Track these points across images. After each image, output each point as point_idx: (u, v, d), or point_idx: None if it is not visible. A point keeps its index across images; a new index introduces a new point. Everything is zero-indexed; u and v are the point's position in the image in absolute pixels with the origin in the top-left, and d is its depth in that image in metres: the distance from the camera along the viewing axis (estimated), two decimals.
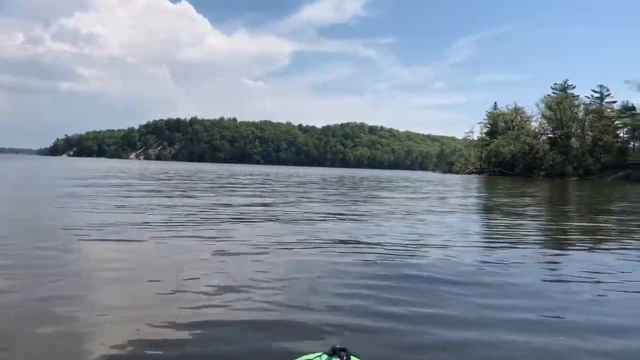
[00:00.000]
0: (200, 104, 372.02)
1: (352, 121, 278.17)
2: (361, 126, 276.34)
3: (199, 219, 9.95)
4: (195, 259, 6.06)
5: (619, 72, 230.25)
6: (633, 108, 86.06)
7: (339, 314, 4.05)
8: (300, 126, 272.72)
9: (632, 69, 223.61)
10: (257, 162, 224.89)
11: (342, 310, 4.15)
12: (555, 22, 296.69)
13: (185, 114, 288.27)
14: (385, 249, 7.07)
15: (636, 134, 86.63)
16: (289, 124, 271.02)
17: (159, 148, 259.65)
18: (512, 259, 6.69)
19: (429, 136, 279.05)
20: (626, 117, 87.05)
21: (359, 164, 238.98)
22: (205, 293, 4.52)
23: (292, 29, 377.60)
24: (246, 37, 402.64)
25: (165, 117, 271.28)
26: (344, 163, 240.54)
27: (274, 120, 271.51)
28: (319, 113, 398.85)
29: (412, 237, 8.42)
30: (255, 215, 11.19)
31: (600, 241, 9.19)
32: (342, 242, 7.54)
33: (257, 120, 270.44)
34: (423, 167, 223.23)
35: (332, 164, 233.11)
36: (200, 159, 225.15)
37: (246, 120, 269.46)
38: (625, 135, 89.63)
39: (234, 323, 3.80)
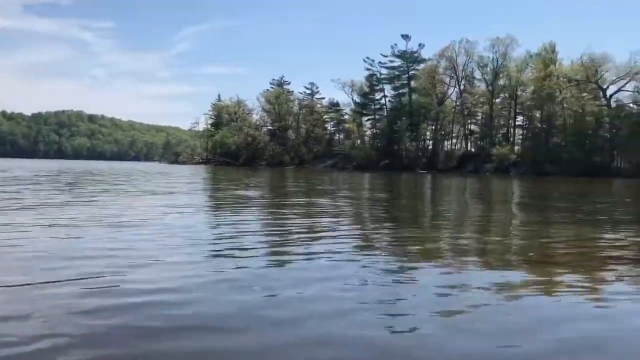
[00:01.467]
0: None
1: (69, 109, 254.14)
2: (79, 114, 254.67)
3: None
4: None
5: (327, 71, 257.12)
6: (337, 104, 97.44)
7: None
8: (4, 113, 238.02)
9: (339, 69, 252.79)
10: None
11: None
12: (277, 19, 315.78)
13: None
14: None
15: (340, 127, 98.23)
16: None
17: None
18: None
19: (154, 126, 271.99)
20: (332, 112, 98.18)
21: (77, 155, 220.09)
22: None
23: None
24: None
25: None
26: (61, 154, 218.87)
27: None
28: (28, 99, 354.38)
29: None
30: None
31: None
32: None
33: None
34: (148, 158, 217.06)
35: (46, 156, 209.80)
36: None
37: None
38: (332, 129, 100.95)
39: None
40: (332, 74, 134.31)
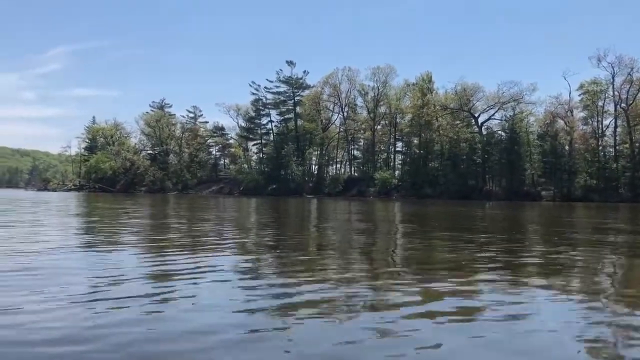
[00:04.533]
0: None
1: None
2: None
3: None
4: None
5: (210, 95, 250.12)
6: (222, 128, 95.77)
7: None
8: None
9: (223, 94, 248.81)
10: None
11: None
12: (150, 41, 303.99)
13: None
14: None
15: (226, 152, 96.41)
16: None
17: None
18: None
19: (18, 151, 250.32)
20: (217, 136, 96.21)
21: None
22: None
23: None
24: None
25: None
26: None
27: None
28: None
29: None
30: None
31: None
32: None
33: None
34: (13, 185, 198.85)
35: None
36: None
37: None
38: (217, 153, 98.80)
39: None
40: (215, 98, 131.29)
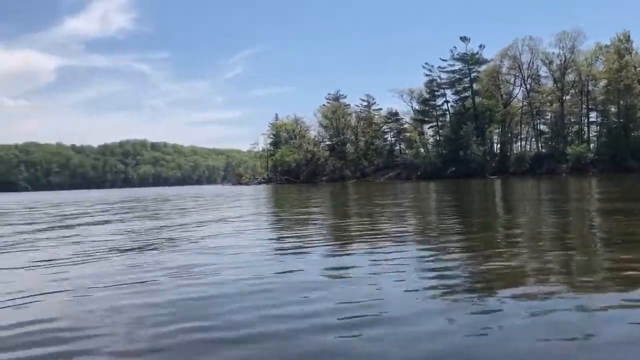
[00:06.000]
0: None
1: (133, 138, 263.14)
2: (143, 143, 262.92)
3: None
4: None
5: (381, 82, 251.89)
6: (396, 114, 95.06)
7: None
8: (73, 146, 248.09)
9: (393, 79, 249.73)
10: (25, 189, 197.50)
11: None
12: (322, 35, 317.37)
13: None
14: None
15: (401, 137, 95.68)
16: (59, 144, 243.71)
17: None
18: None
19: (214, 150, 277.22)
20: (392, 122, 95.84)
21: (143, 182, 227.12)
22: None
23: (54, 42, 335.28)
24: None
25: None
26: (127, 183, 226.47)
27: (41, 142, 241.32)
28: (94, 131, 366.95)
29: None
30: None
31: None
32: None
33: (20, 142, 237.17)
34: (211, 181, 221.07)
35: (113, 185, 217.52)
36: None
37: (7, 143, 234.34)
38: (392, 139, 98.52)
39: None
40: (386, 84, 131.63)
